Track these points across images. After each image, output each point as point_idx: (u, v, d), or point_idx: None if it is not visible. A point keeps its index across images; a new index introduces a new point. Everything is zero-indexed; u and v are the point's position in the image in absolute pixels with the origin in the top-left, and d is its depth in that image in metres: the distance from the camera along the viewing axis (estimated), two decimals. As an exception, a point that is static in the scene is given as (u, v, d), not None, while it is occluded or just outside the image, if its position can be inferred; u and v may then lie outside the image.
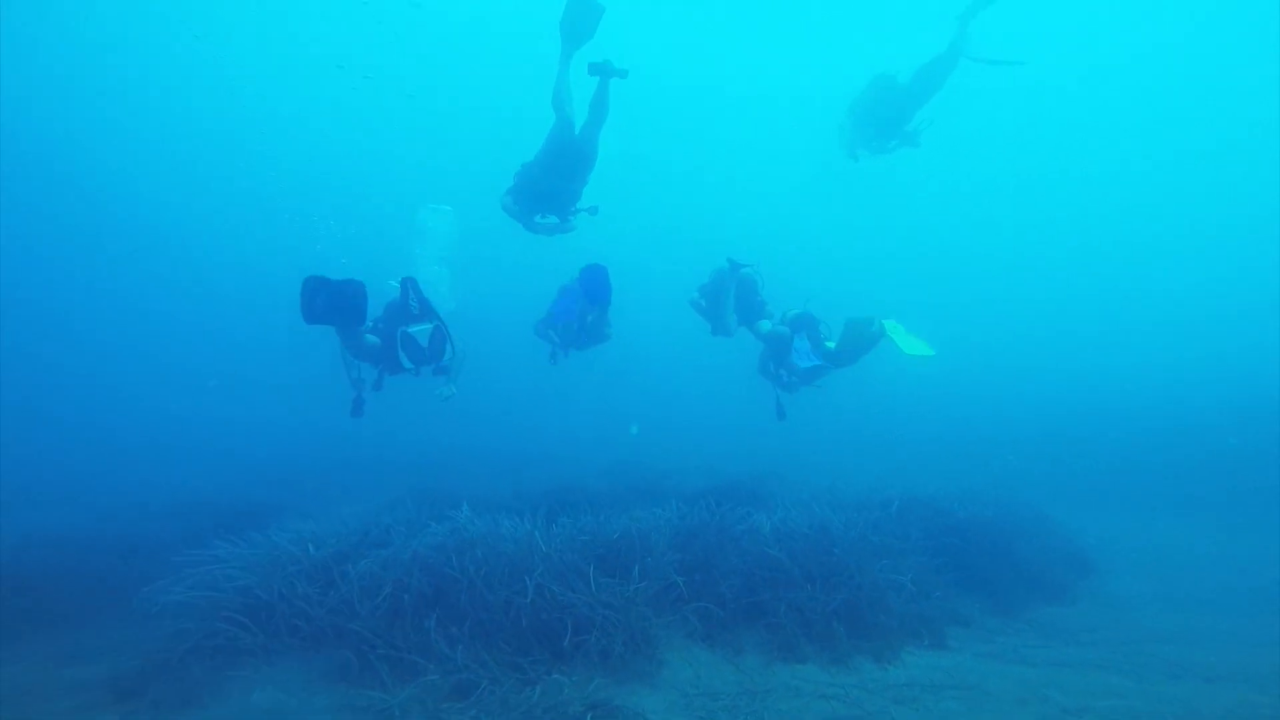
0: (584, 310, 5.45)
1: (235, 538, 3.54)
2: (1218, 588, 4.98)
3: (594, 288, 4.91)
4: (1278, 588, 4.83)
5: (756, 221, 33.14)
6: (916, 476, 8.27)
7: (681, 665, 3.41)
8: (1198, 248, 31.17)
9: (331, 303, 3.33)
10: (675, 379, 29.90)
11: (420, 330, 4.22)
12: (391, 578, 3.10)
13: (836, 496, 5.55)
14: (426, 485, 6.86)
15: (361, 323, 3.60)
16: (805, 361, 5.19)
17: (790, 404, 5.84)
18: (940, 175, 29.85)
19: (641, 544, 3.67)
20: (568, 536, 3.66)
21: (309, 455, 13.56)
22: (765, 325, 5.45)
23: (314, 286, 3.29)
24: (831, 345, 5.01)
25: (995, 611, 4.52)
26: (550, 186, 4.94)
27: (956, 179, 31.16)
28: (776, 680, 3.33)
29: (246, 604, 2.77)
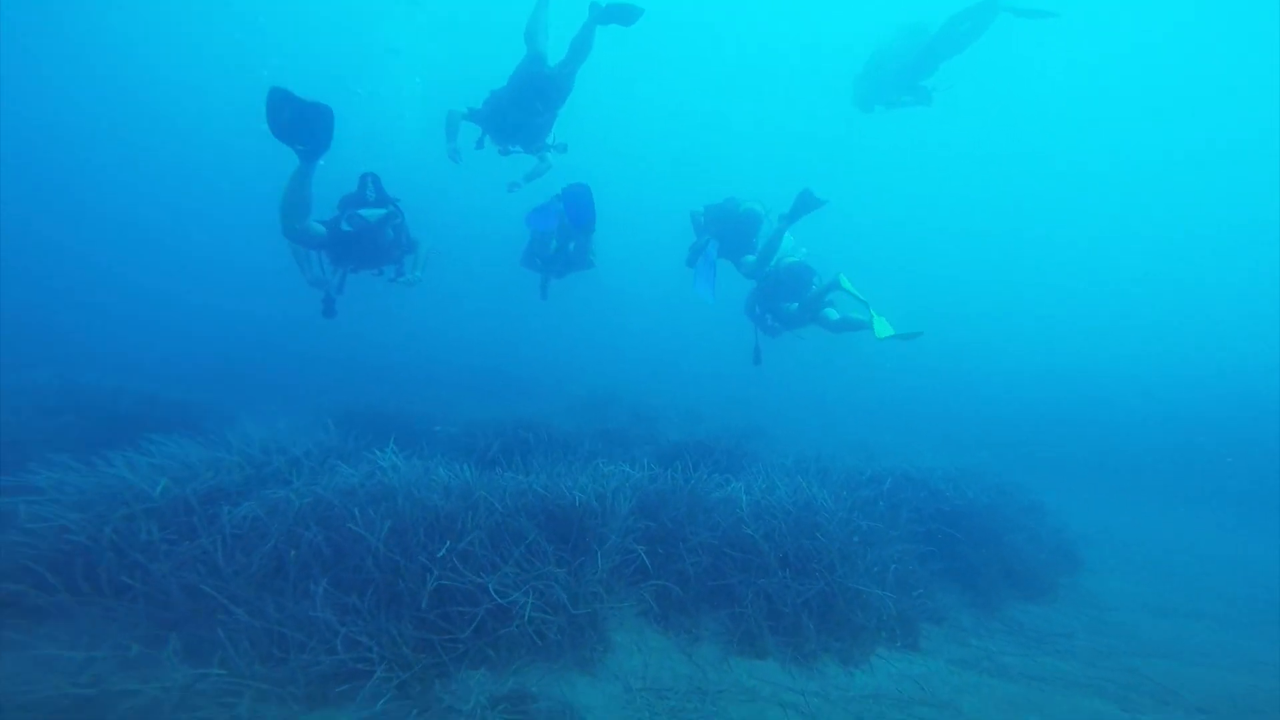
0: (565, 234, 5.33)
1: (95, 455, 2.88)
2: (1216, 595, 4.78)
3: (578, 209, 4.82)
4: (1283, 599, 4.65)
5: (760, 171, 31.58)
6: (910, 447, 7.98)
7: (630, 651, 3.01)
8: (1209, 239, 30.91)
9: (297, 120, 3.15)
10: (667, 317, 29.35)
11: (372, 212, 4.02)
12: (278, 529, 2.51)
13: (824, 466, 5.09)
14: (367, 404, 6.22)
15: (326, 148, 3.34)
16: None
17: (771, 352, 5.61)
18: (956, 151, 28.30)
19: (601, 511, 3.13)
20: (515, 492, 3.09)
21: (265, 353, 12.81)
22: (749, 259, 5.36)
23: (280, 99, 3.09)
24: (833, 314, 4.91)
25: (974, 605, 4.26)
26: (515, 119, 4.89)
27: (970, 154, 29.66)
28: (732, 678, 2.96)
29: (57, 550, 2.17)
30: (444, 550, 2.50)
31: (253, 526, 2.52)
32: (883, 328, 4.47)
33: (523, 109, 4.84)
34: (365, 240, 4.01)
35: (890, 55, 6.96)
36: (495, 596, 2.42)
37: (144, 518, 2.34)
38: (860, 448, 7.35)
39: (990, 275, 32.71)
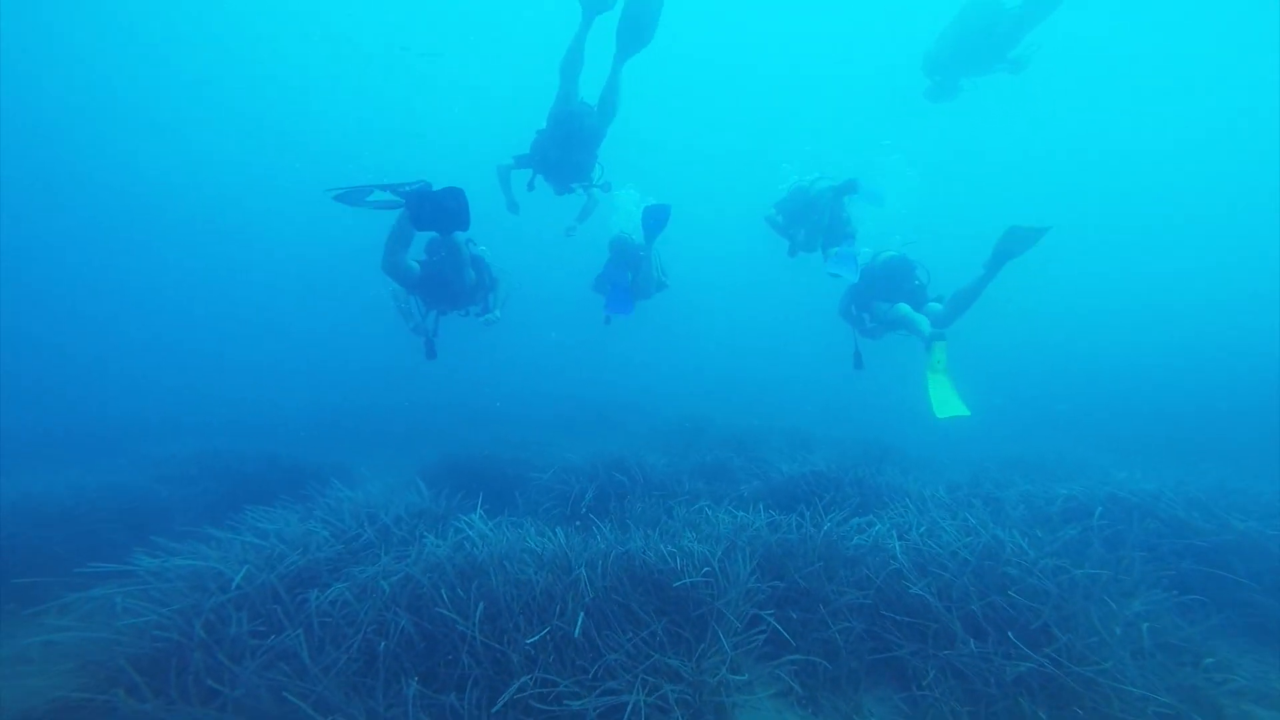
0: (633, 266, 5.45)
1: (215, 523, 2.89)
2: None
3: (653, 219, 5.04)
4: None
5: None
6: (1077, 456, 6.61)
7: (772, 752, 2.42)
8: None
9: (438, 210, 3.47)
10: (749, 330, 28.40)
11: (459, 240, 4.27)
12: (368, 616, 2.28)
13: (990, 495, 4.17)
14: (460, 453, 6.20)
15: (466, 226, 3.66)
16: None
17: (871, 356, 5.25)
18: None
19: (716, 582, 2.61)
20: (615, 558, 2.67)
21: (370, 402, 13.79)
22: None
23: (417, 199, 3.43)
24: (936, 305, 4.61)
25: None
26: (556, 157, 5.00)
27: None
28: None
29: (153, 649, 2.07)
30: (535, 638, 2.12)
31: (343, 613, 2.31)
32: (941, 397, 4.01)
33: (563, 146, 4.94)
34: (450, 276, 4.26)
35: (963, 34, 6.69)
36: (600, 698, 1.98)
37: (234, 607, 2.22)
38: (1018, 465, 6.16)
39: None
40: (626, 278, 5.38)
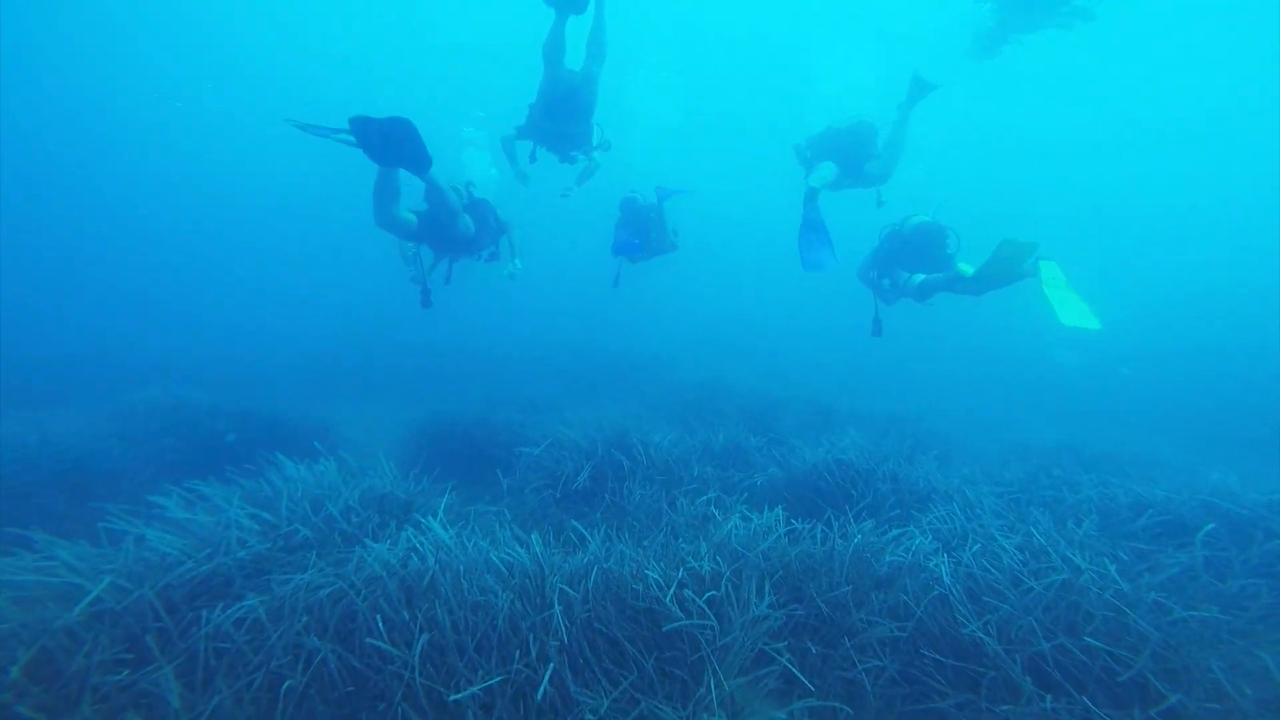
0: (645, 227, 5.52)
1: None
2: None
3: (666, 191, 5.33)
4: None
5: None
6: (1156, 452, 5.93)
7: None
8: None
9: (387, 143, 3.31)
10: (770, 291, 27.32)
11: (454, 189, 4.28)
12: (281, 642, 1.84)
13: (1052, 498, 3.61)
14: (449, 415, 5.78)
15: (427, 162, 3.55)
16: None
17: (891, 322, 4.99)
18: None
19: (719, 613, 2.13)
20: (602, 584, 2.19)
21: (359, 350, 13.47)
22: (872, 166, 5.01)
23: (361, 127, 3.20)
24: (966, 268, 4.23)
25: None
26: (553, 130, 5.16)
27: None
28: None
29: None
30: (488, 683, 1.65)
31: (249, 637, 1.88)
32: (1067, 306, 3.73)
33: (556, 121, 5.07)
34: (445, 223, 4.17)
35: None
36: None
37: (87, 628, 1.78)
38: (1073, 454, 5.54)
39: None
40: (634, 238, 5.53)
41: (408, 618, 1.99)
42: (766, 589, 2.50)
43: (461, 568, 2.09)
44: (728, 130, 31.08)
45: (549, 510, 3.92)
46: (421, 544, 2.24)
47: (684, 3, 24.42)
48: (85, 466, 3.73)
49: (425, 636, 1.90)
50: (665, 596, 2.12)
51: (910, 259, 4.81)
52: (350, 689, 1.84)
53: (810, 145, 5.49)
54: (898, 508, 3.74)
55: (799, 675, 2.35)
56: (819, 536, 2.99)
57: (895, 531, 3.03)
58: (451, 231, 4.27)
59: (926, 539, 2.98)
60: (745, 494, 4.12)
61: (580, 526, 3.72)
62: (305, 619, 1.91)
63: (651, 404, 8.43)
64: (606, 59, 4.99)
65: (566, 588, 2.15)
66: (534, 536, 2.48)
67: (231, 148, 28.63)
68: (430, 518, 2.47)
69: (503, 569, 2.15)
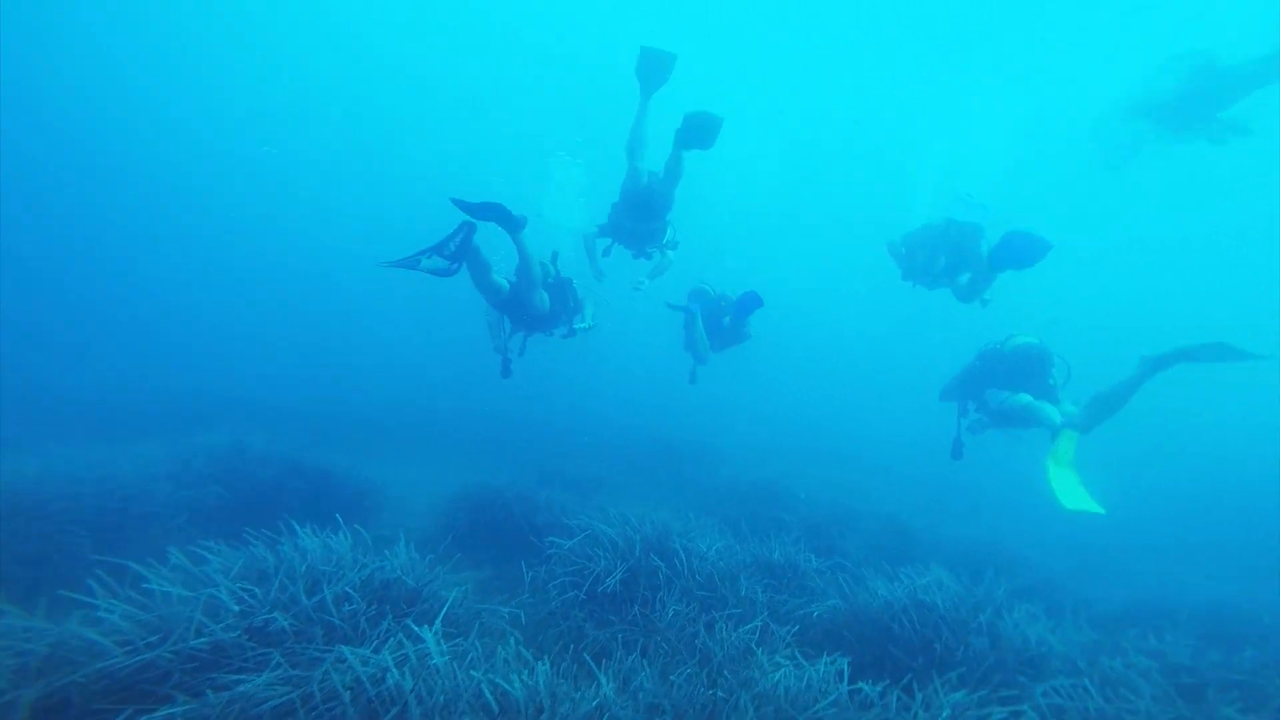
0: (719, 312, 5.75)
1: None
2: None
3: (746, 305, 5.45)
4: None
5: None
6: None
7: None
8: None
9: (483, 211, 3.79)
10: (853, 398, 26.07)
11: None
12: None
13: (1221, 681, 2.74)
14: (492, 488, 5.63)
15: (521, 225, 3.98)
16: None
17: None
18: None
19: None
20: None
21: (422, 411, 13.92)
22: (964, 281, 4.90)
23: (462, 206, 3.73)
24: (1067, 409, 4.03)
25: None
26: (630, 228, 5.42)
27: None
28: None
29: None
30: None
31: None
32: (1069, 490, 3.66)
33: (634, 219, 5.34)
34: (525, 298, 4.42)
35: (1172, 96, 6.37)
36: None
37: None
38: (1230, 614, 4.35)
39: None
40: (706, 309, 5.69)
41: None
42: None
43: (442, 698, 1.75)
44: (817, 225, 31.68)
45: (571, 612, 3.50)
46: (409, 653, 1.94)
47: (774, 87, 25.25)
48: (128, 507, 3.83)
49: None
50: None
51: (1005, 384, 4.46)
52: None
53: (905, 242, 5.43)
54: (999, 671, 2.98)
55: None
56: (894, 704, 2.38)
57: (1001, 713, 2.34)
58: (528, 303, 4.47)
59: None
60: (798, 626, 3.49)
61: (602, 637, 3.27)
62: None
63: (704, 501, 7.87)
64: (681, 180, 5.13)
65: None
66: (542, 666, 2.09)
67: (309, 191, 31.28)
68: (426, 627, 2.15)
69: (493, 705, 1.78)
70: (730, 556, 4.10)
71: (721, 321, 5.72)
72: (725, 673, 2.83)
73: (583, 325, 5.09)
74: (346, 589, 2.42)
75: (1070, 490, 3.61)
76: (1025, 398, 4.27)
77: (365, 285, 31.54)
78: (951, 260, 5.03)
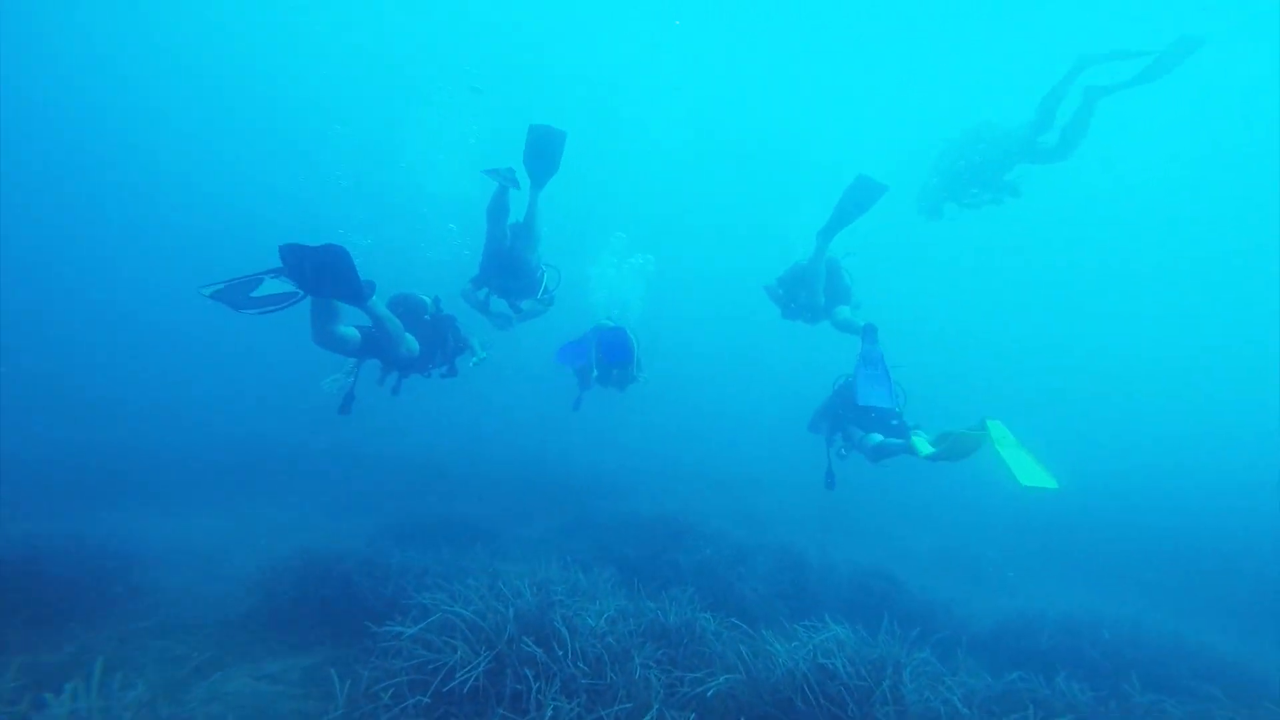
0: (605, 362, 5.99)
1: None
2: None
3: (613, 351, 5.92)
4: None
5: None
6: None
7: None
8: None
9: (321, 273, 3.11)
10: (742, 427, 26.88)
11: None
12: None
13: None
14: (326, 552, 4.66)
15: (363, 294, 3.38)
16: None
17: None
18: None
19: None
20: None
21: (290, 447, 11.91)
22: (844, 313, 5.41)
23: (293, 255, 3.03)
24: (922, 444, 4.18)
25: None
26: (499, 283, 5.53)
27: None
28: None
29: None
30: None
31: None
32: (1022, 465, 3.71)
33: (501, 277, 5.43)
34: (385, 349, 4.03)
35: (966, 153, 7.34)
36: None
37: None
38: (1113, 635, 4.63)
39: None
40: (588, 354, 5.90)
41: None
42: None
43: None
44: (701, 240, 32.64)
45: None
46: None
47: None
48: None
49: None
50: None
51: (861, 417, 4.76)
52: None
53: (781, 283, 5.82)
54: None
55: None
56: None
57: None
58: (393, 354, 4.12)
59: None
60: (695, 710, 3.04)
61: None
62: None
63: (600, 543, 7.28)
64: (539, 241, 5.32)
65: None
66: None
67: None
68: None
69: None
70: (623, 625, 3.57)
71: (608, 371, 5.96)
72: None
73: (473, 360, 4.98)
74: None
75: (1025, 466, 3.67)
76: (876, 438, 4.57)
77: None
78: (830, 296, 5.50)
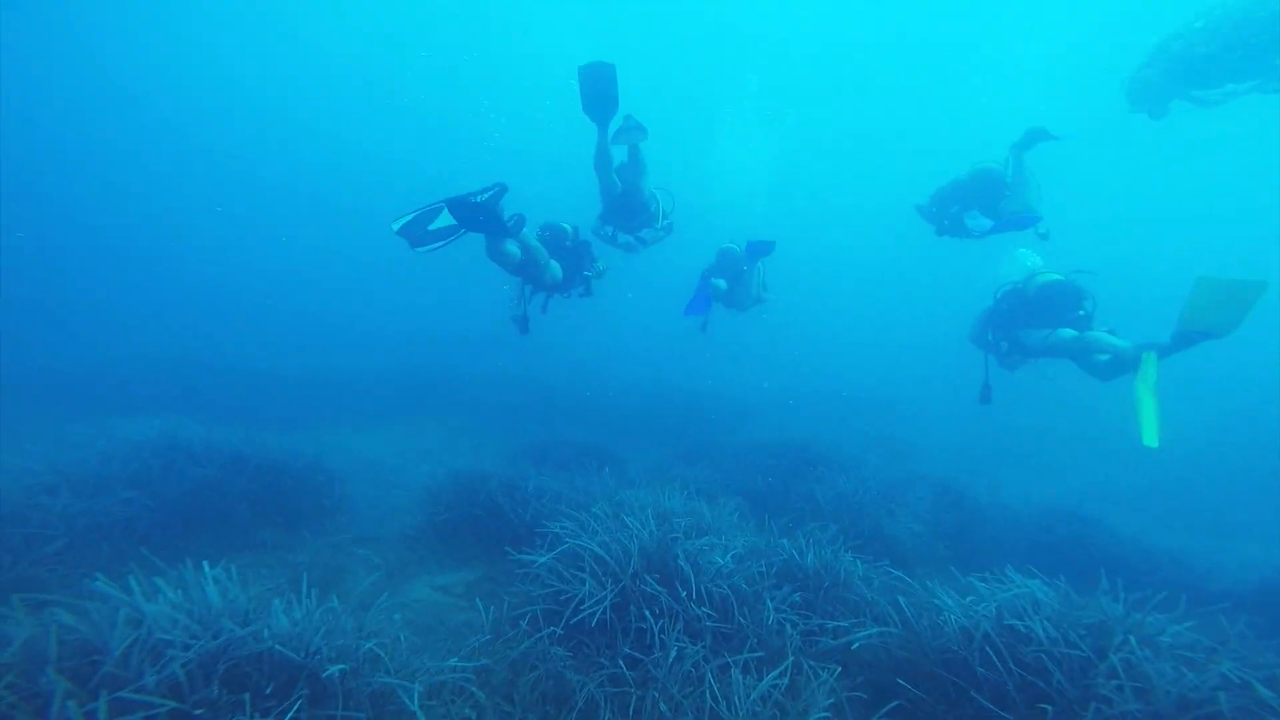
0: (709, 300, 6.05)
1: None
2: None
3: (755, 250, 6.02)
4: None
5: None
6: None
7: None
8: None
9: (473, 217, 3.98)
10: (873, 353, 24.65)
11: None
12: None
13: None
14: (471, 472, 4.99)
15: (514, 230, 4.30)
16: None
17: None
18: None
19: None
20: None
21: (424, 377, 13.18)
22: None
23: (458, 207, 3.88)
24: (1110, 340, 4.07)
25: None
26: (619, 222, 5.99)
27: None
28: None
29: None
30: None
31: None
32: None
33: (621, 216, 5.87)
34: (534, 273, 4.79)
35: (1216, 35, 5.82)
36: None
37: None
38: None
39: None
40: (718, 286, 5.95)
41: None
42: None
43: None
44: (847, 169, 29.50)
45: (551, 654, 2.74)
46: None
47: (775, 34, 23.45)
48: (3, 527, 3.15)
49: None
50: None
51: (1034, 321, 4.54)
52: None
53: (935, 200, 5.60)
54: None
55: None
56: None
57: None
58: (540, 278, 4.88)
59: None
60: (839, 663, 2.67)
61: (587, 686, 2.53)
62: None
63: (725, 471, 7.03)
64: (646, 171, 5.61)
65: None
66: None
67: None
68: None
69: None
70: (750, 564, 3.27)
71: (738, 282, 6.08)
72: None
73: (598, 270, 5.46)
74: (193, 661, 1.65)
75: (1153, 422, 3.55)
76: (1069, 332, 4.32)
77: (320, 239, 29.53)
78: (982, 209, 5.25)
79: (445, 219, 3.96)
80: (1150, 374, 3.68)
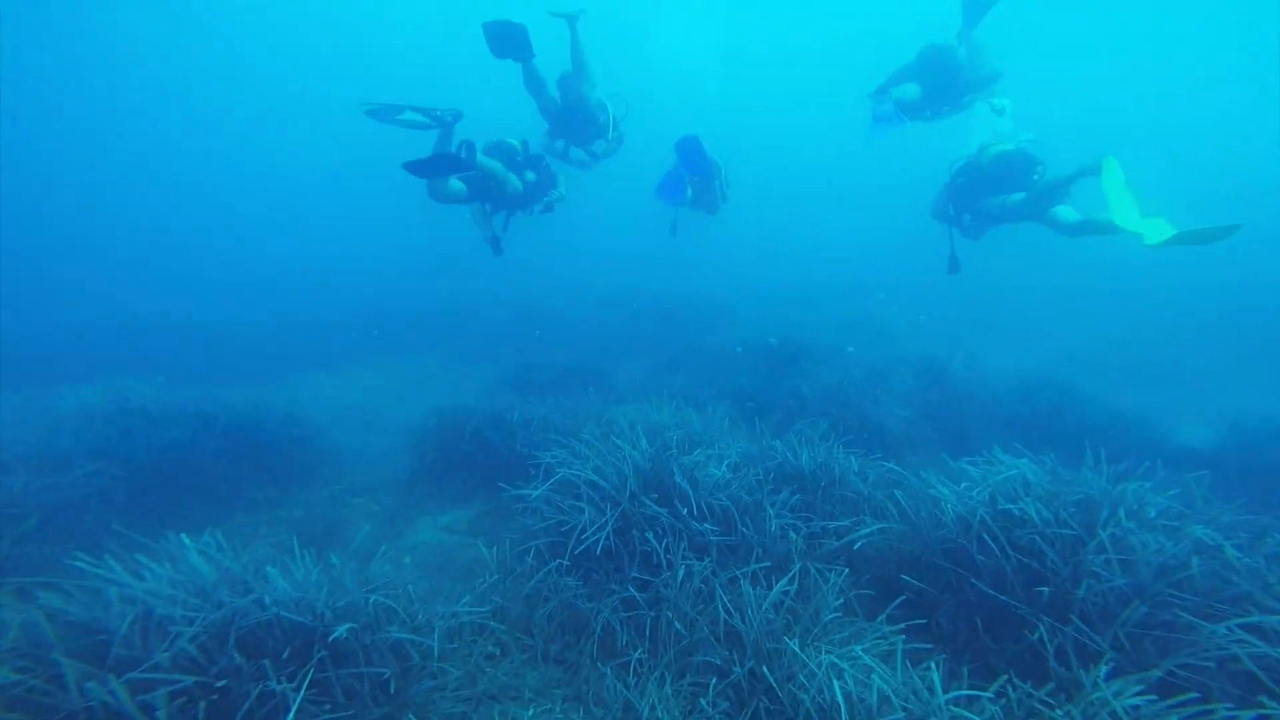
0: (684, 180, 5.83)
1: None
2: None
3: (689, 158, 5.64)
4: None
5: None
6: None
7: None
8: None
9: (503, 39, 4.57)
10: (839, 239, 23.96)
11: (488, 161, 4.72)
12: None
13: None
14: (457, 409, 4.79)
15: (466, 165, 4.25)
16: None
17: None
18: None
19: None
20: None
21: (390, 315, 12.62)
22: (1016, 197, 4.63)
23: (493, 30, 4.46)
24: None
25: None
26: (567, 133, 5.91)
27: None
28: None
29: None
30: None
31: None
32: (1156, 231, 3.28)
33: (567, 127, 5.78)
34: (494, 188, 4.81)
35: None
36: None
37: None
38: None
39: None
40: (684, 180, 5.78)
41: None
42: None
43: None
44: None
45: (561, 585, 2.76)
46: None
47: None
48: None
49: None
50: None
51: (991, 191, 4.63)
52: None
53: (890, 80, 5.38)
54: (1136, 599, 2.23)
55: None
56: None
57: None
58: (502, 192, 4.85)
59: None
60: (843, 563, 2.75)
61: (602, 612, 2.57)
62: None
63: (710, 374, 7.02)
64: (591, 77, 5.56)
65: None
66: None
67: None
68: None
69: None
70: (747, 472, 3.26)
71: (698, 191, 5.91)
72: (765, 668, 2.11)
73: (557, 195, 5.41)
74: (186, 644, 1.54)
75: (1133, 218, 3.42)
76: (1019, 195, 4.42)
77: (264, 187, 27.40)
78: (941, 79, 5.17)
79: (412, 116, 4.20)
80: (1115, 174, 3.60)
